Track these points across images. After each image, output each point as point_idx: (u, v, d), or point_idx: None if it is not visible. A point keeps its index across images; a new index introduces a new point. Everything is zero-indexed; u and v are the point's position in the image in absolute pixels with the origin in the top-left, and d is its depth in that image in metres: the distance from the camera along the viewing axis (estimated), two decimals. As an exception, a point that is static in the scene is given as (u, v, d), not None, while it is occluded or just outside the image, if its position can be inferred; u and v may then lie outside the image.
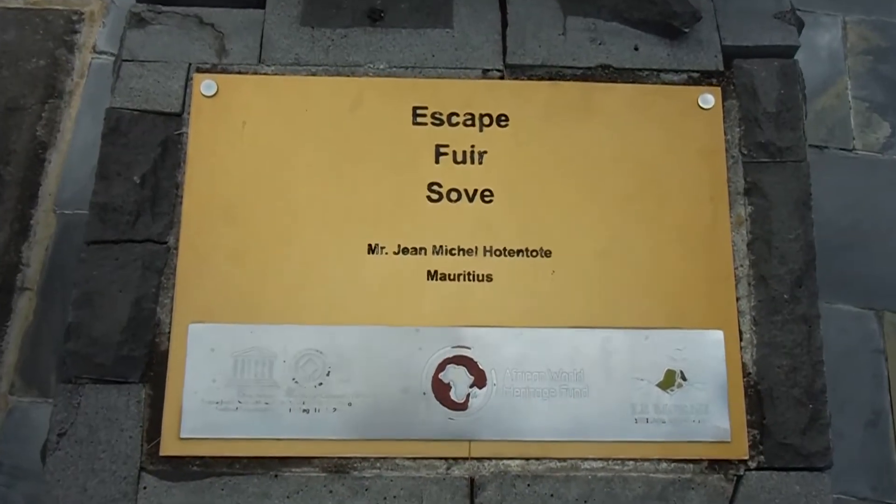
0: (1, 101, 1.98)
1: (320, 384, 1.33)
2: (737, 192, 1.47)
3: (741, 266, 1.43)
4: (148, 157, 1.41)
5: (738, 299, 1.41)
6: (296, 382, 1.32)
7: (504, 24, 1.53)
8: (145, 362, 1.33)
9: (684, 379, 1.36)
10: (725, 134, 1.49)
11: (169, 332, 1.34)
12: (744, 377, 1.37)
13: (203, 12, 1.50)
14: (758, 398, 1.37)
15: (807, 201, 1.46)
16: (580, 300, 1.38)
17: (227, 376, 1.32)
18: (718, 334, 1.38)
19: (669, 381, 1.36)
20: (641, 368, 1.36)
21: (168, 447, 1.30)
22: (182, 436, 1.30)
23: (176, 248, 1.38)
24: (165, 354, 1.33)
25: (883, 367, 1.96)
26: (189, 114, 1.44)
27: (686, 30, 1.51)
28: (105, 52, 2.11)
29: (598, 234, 1.42)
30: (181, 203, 1.40)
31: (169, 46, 1.48)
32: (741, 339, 1.39)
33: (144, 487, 1.28)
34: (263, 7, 1.52)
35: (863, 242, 2.08)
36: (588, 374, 1.35)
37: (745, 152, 1.49)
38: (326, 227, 1.39)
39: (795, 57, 1.55)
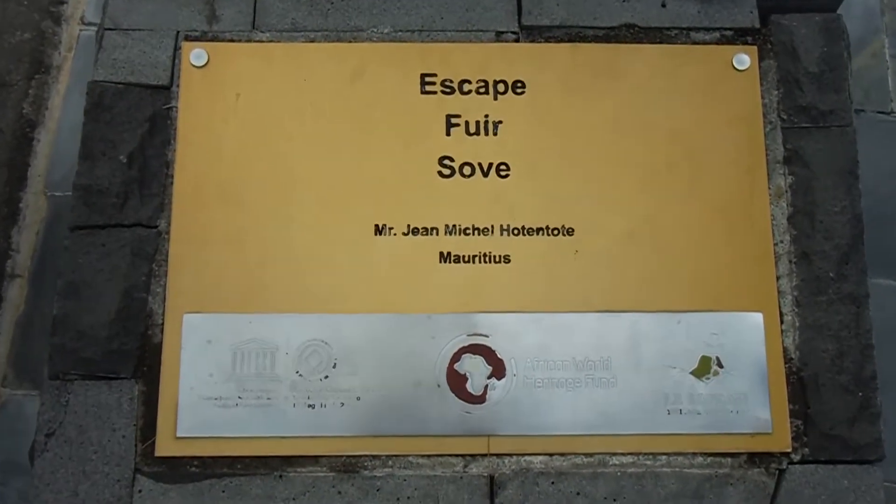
0: (-15, 77, 1.87)
1: (326, 377, 1.23)
2: (776, 160, 1.35)
3: (781, 242, 1.31)
4: (134, 133, 1.30)
5: (778, 278, 1.29)
6: (300, 376, 1.23)
7: (519, -19, 1.40)
8: (137, 356, 1.24)
9: (720, 366, 1.25)
10: (762, 97, 1.36)
11: (162, 324, 1.24)
12: (785, 363, 1.26)
13: (191, -25, 1.38)
14: (801, 386, 1.26)
15: (853, 170, 1.34)
16: (606, 282, 1.27)
17: (225, 370, 1.22)
18: (757, 317, 1.27)
19: (704, 368, 1.25)
20: (673, 355, 1.25)
21: (164, 447, 1.20)
22: (179, 435, 1.20)
23: (167, 233, 1.27)
24: (159, 347, 1.24)
25: (926, 345, 1.85)
26: (178, 86, 1.33)
27: (719, -17, 1.38)
28: (93, 24, 1.99)
29: (624, 211, 1.30)
30: (172, 183, 1.30)
31: (155, 13, 1.36)
32: (782, 322, 1.28)
33: (139, 490, 1.19)
34: (257, -32, 1.40)
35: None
36: (615, 363, 1.25)
37: (785, 117, 1.36)
38: (329, 208, 1.28)
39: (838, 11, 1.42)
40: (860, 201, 1.34)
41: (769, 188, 1.33)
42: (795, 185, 1.34)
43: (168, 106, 1.32)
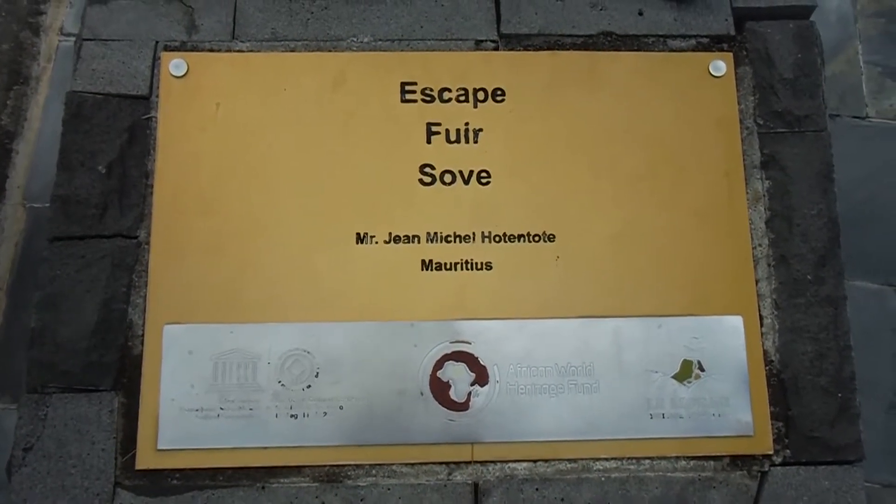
0: (-38, 89, 1.85)
1: (308, 387, 1.22)
2: (753, 165, 1.36)
3: (760, 246, 1.33)
4: (114, 144, 1.29)
5: (757, 282, 1.31)
6: (282, 386, 1.22)
7: (497, -10, 1.41)
8: (117, 368, 1.22)
9: (702, 370, 1.26)
10: (739, 103, 1.38)
11: (142, 335, 1.23)
12: (766, 366, 1.27)
13: (170, -15, 1.38)
14: (782, 388, 1.27)
15: (829, 174, 1.36)
16: (587, 288, 1.28)
17: (206, 381, 1.22)
18: (737, 320, 1.28)
19: (686, 372, 1.26)
20: (655, 360, 1.26)
21: (144, 460, 1.19)
22: (159, 447, 1.19)
23: (147, 243, 1.27)
24: (139, 359, 1.22)
25: (904, 347, 1.87)
26: (158, 96, 1.32)
27: (695, -9, 1.40)
28: (72, 35, 1.98)
29: (604, 216, 1.31)
30: (152, 194, 1.29)
31: (134, 23, 1.36)
32: (762, 325, 1.29)
33: (120, 504, 1.18)
34: (236, -22, 1.40)
35: (880, 215, 1.98)
36: (598, 368, 1.25)
37: (761, 122, 1.38)
38: (311, 216, 1.28)
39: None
40: (836, 205, 1.35)
41: (747, 192, 1.35)
42: (772, 189, 1.35)
43: (147, 116, 1.31)
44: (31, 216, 1.85)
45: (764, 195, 1.35)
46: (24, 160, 1.89)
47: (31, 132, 1.91)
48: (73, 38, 1.98)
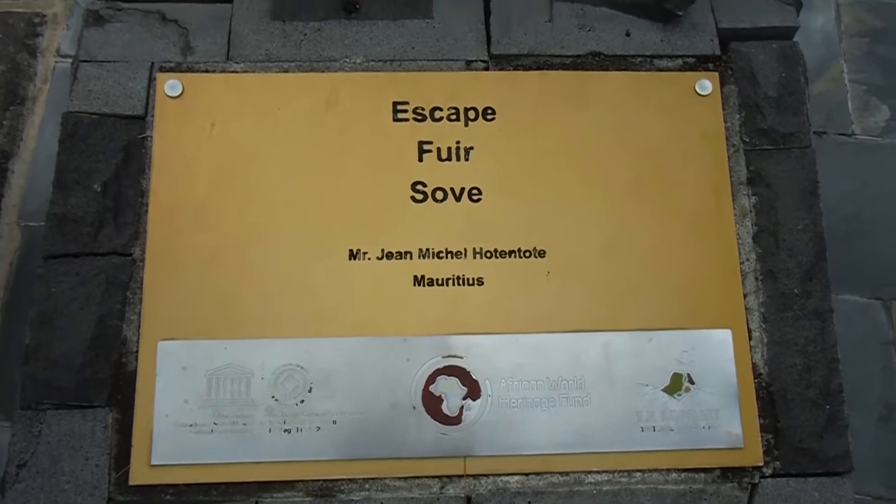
0: (-42, 110, 1.87)
1: (302, 401, 1.23)
2: (739, 181, 1.39)
3: (747, 260, 1.35)
4: (109, 163, 1.31)
5: (745, 296, 1.33)
6: (275, 400, 1.23)
7: (487, 13, 1.44)
8: (111, 384, 1.23)
9: (692, 382, 1.28)
10: (725, 121, 1.41)
11: (136, 351, 1.24)
12: (755, 378, 1.29)
13: (166, 8, 1.40)
14: (771, 400, 1.29)
15: (814, 190, 1.38)
16: (578, 302, 1.30)
17: (200, 396, 1.22)
18: (726, 334, 1.30)
19: (676, 385, 1.28)
20: (646, 373, 1.27)
21: (138, 475, 1.20)
22: (153, 462, 1.20)
23: (142, 261, 1.28)
24: (133, 375, 1.23)
25: (893, 359, 1.88)
26: (153, 116, 1.34)
27: (680, 13, 1.42)
28: (69, 56, 2.00)
29: (594, 232, 1.33)
30: (147, 211, 1.30)
31: (130, 45, 1.38)
32: (750, 338, 1.31)
33: (114, 521, 1.18)
34: (231, 1, 1.42)
35: (867, 230, 2.00)
36: (589, 381, 1.26)
37: (747, 140, 1.40)
38: (304, 233, 1.30)
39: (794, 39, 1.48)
40: (822, 220, 1.38)
41: (734, 208, 1.37)
42: (759, 204, 1.38)
43: (143, 135, 1.33)
44: (25, 234, 1.86)
45: (751, 211, 1.38)
46: (20, 179, 1.90)
47: (27, 152, 1.92)
48: (70, 60, 2.00)
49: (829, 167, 2.02)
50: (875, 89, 2.21)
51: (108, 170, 1.31)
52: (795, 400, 1.28)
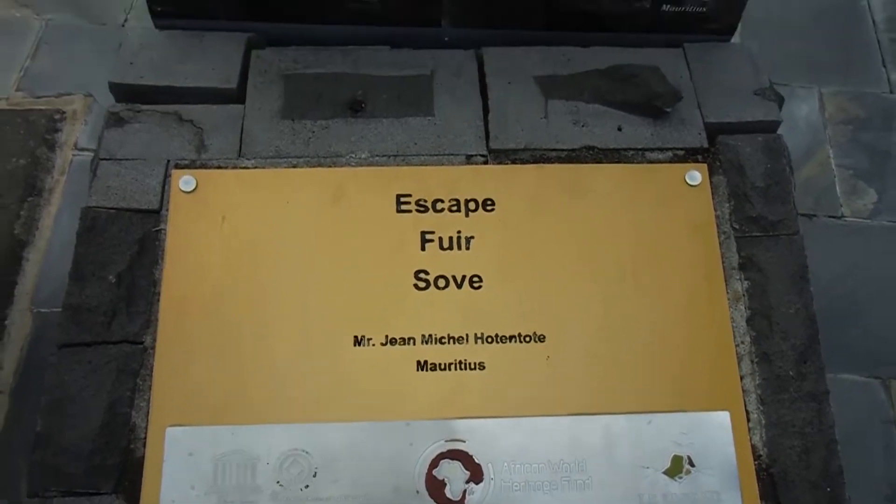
0: (-21, 202, 1.95)
1: (307, 486, 1.25)
2: (732, 266, 1.44)
3: (742, 343, 1.38)
4: (124, 255, 1.36)
5: (742, 378, 1.36)
6: (280, 486, 1.25)
7: (486, 111, 1.52)
8: (119, 471, 1.25)
9: (692, 465, 1.29)
10: (715, 209, 1.47)
11: (144, 437, 1.27)
12: (755, 460, 1.31)
13: (183, 109, 1.49)
14: (771, 482, 1.30)
15: (804, 274, 1.43)
16: (578, 386, 1.33)
17: (206, 482, 1.24)
18: (724, 416, 1.32)
19: (677, 468, 1.29)
20: (646, 456, 1.29)
21: (144, 564, 1.20)
22: (159, 551, 1.21)
23: (153, 348, 1.32)
24: (141, 461, 1.25)
25: (895, 438, 1.89)
26: (167, 210, 1.41)
27: (668, 110, 1.51)
28: (86, 150, 2.10)
29: (592, 317, 1.37)
30: (158, 301, 1.35)
31: (148, 144, 1.46)
32: (749, 420, 1.33)
33: None
34: (243, 102, 1.51)
35: (862, 310, 2.05)
36: (590, 464, 1.28)
37: (737, 227, 1.46)
38: (311, 321, 1.34)
39: (778, 131, 1.55)
40: (813, 304, 1.42)
41: (727, 292, 1.41)
42: (751, 289, 1.42)
43: (157, 228, 1.39)
44: (37, 321, 1.91)
45: (744, 295, 1.42)
46: (34, 267, 1.96)
47: (42, 241, 1.99)
48: (87, 153, 2.10)
49: (821, 249, 2.08)
50: (861, 173, 2.30)
51: (123, 261, 1.36)
52: (796, 482, 1.30)
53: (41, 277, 1.95)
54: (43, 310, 1.92)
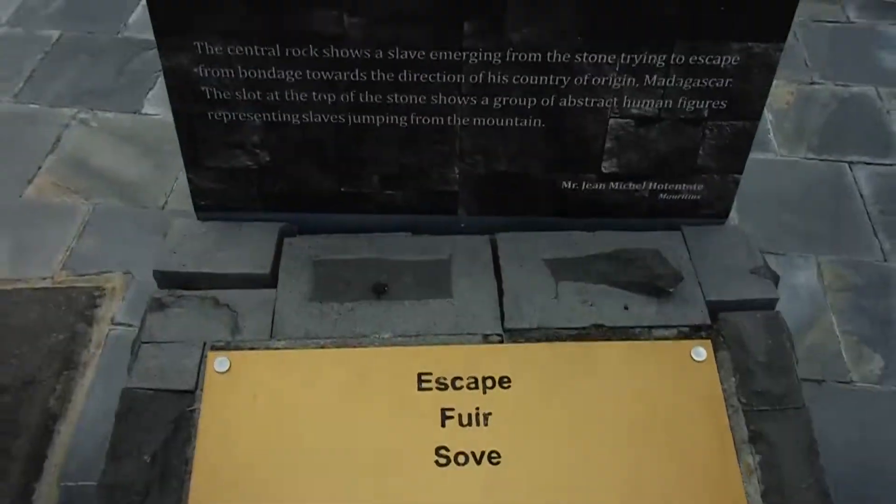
0: (18, 376, 2.05)
1: None
2: (742, 440, 1.48)
3: (759, 519, 1.40)
4: (159, 435, 1.43)
5: (761, 555, 1.37)
6: None
7: (500, 293, 1.64)
8: None
9: None
10: (722, 384, 1.53)
11: None
12: None
13: (220, 294, 1.61)
14: None
15: (813, 447, 1.47)
16: (597, 565, 1.34)
17: None
18: (746, 593, 1.32)
19: None
20: None
21: None
22: None
23: (183, 528, 1.36)
24: None
25: None
26: (202, 390, 1.49)
27: (670, 290, 1.62)
28: (122, 324, 2.22)
29: (608, 491, 1.40)
30: (189, 478, 1.40)
31: (186, 327, 1.57)
32: None
33: None
34: (276, 286, 1.63)
35: (875, 478, 2.05)
36: None
37: (744, 401, 1.52)
38: (335, 494, 1.38)
39: (777, 308, 1.65)
40: (824, 477, 1.44)
41: (740, 466, 1.45)
42: (763, 463, 1.46)
43: (192, 408, 1.47)
44: (63, 494, 1.94)
45: (756, 469, 1.46)
46: (65, 440, 2.02)
47: (75, 413, 2.07)
48: (122, 326, 2.21)
49: (832, 415, 2.12)
50: (866, 339, 2.36)
51: (158, 441, 1.43)
52: None
53: (71, 450, 2.00)
54: (70, 483, 1.96)
